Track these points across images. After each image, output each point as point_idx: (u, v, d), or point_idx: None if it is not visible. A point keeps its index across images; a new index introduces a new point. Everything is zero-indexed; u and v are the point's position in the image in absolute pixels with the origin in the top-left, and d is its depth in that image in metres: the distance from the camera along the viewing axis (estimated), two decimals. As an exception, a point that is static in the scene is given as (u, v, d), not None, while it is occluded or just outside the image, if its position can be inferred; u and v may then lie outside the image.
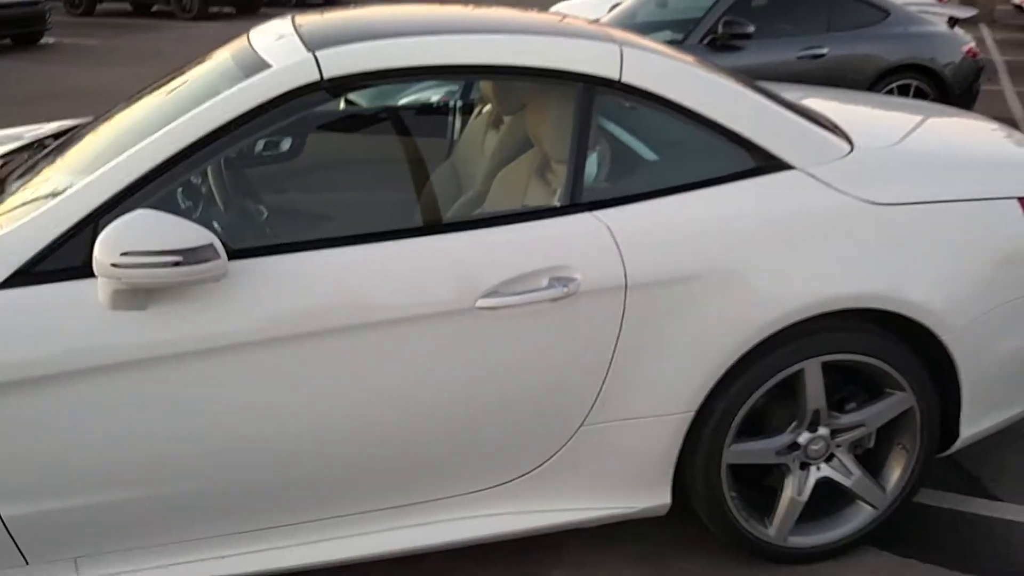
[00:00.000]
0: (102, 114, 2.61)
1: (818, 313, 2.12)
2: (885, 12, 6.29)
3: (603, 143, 2.23)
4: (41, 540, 1.95)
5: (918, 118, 2.81)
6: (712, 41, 5.82)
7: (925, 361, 2.29)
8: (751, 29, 5.74)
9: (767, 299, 2.09)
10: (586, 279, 2.03)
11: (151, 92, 2.52)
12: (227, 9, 17.23)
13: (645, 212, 2.11)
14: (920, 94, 6.24)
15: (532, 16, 2.48)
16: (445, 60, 2.10)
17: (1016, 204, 2.32)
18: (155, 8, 17.05)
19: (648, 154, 2.25)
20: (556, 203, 2.12)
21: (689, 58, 2.38)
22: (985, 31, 14.73)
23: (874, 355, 2.22)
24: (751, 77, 2.95)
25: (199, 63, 2.54)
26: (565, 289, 2.01)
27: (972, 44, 6.50)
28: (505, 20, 2.36)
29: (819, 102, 2.86)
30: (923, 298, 2.17)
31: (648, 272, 2.06)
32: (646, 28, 6.16)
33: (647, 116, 2.22)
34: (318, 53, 2.05)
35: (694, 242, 2.09)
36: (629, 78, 2.17)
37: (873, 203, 2.19)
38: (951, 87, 6.28)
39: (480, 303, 1.98)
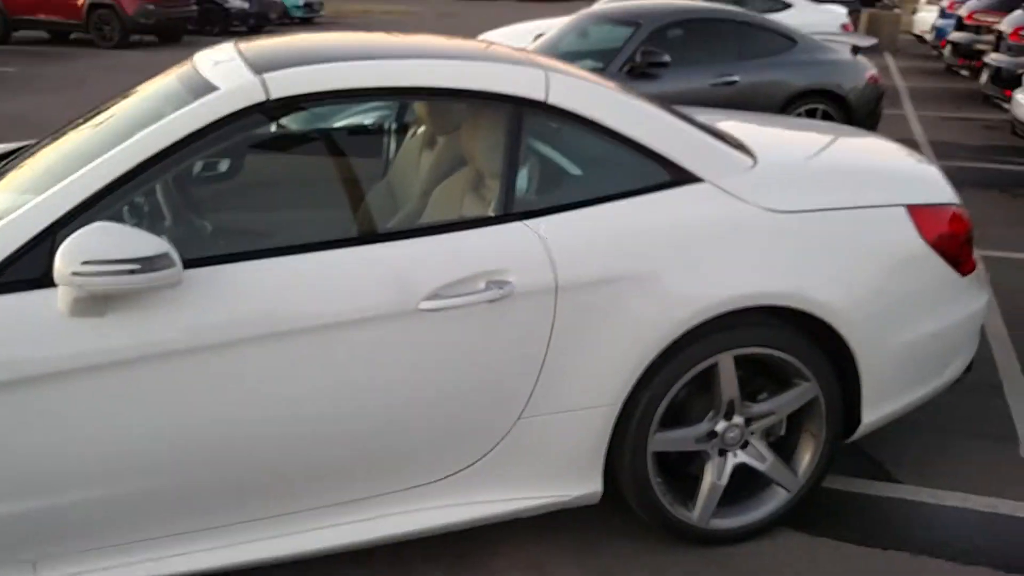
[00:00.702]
0: (48, 135, 2.69)
1: (727, 311, 2.33)
2: (792, 41, 6.69)
3: (532, 159, 2.41)
4: (8, 541, 2.02)
5: (817, 135, 3.08)
6: (631, 70, 6.11)
7: (827, 354, 2.53)
8: (667, 59, 6.04)
9: (681, 298, 2.30)
10: (520, 282, 2.21)
11: (95, 115, 2.61)
12: (148, 38, 17.08)
13: (572, 221, 2.29)
14: (827, 117, 6.63)
15: (465, 43, 2.66)
16: (385, 83, 2.26)
17: (904, 211, 2.58)
18: (73, 36, 16.79)
19: (573, 168, 2.44)
20: (490, 213, 2.29)
21: (610, 83, 2.59)
22: (889, 59, 15.56)
23: (780, 348, 2.44)
24: (668, 103, 3.20)
25: (143, 87, 2.65)
26: (501, 291, 2.18)
27: (874, 71, 6.95)
28: (439, 47, 2.54)
29: (728, 123, 3.11)
30: (821, 295, 2.40)
31: (575, 275, 2.25)
32: (568, 57, 6.42)
33: (571, 134, 2.42)
34: (265, 75, 2.19)
35: (616, 247, 2.28)
36: (555, 100, 2.36)
37: (773, 211, 2.43)
38: (855, 110, 6.69)
39: (423, 305, 2.14)
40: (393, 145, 3.22)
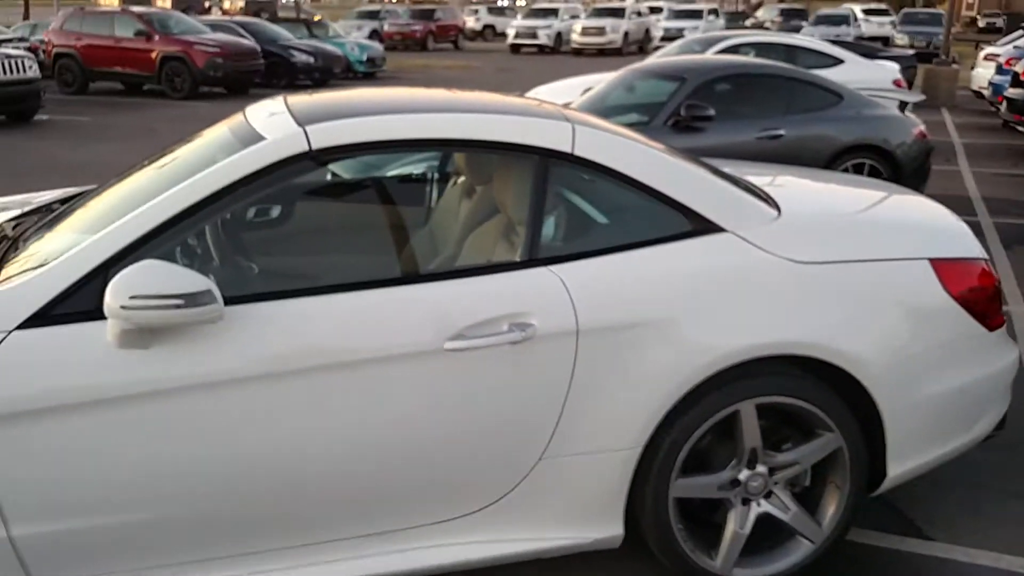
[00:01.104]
0: (107, 181, 2.87)
1: (746, 359, 2.37)
2: (839, 96, 6.72)
3: (558, 207, 2.51)
4: (46, 560, 2.14)
5: (846, 189, 3.12)
6: (676, 123, 6.21)
7: (851, 405, 2.54)
8: (711, 112, 6.13)
9: (700, 346, 2.35)
10: (542, 325, 2.29)
11: (153, 161, 2.79)
12: (217, 89, 17.77)
13: (595, 267, 2.37)
14: (874, 172, 6.63)
15: (498, 98, 2.79)
16: (419, 135, 2.39)
17: (927, 264, 2.61)
18: (146, 87, 17.56)
19: (598, 217, 2.53)
20: (516, 259, 2.39)
21: (635, 135, 2.69)
22: (946, 115, 15.41)
23: (802, 398, 2.47)
24: (713, 157, 3.29)
25: (197, 136, 2.82)
26: (523, 334, 2.26)
27: (922, 126, 6.93)
28: (473, 101, 2.67)
29: (757, 176, 3.17)
30: (840, 345, 2.43)
31: (597, 320, 2.32)
32: (614, 111, 6.56)
33: (597, 184, 2.51)
34: (307, 127, 2.34)
35: (637, 294, 2.36)
36: (581, 151, 2.46)
37: (795, 261, 2.48)
38: (903, 166, 6.67)
39: (447, 345, 2.23)
40: (436, 194, 3.35)
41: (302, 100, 2.71)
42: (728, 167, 3.23)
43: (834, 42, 14.12)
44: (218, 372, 2.11)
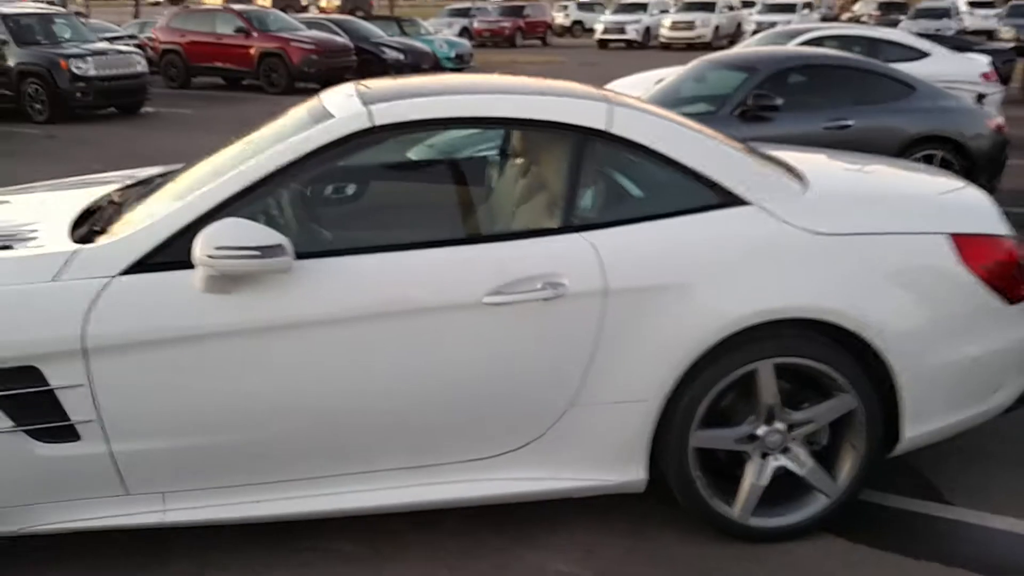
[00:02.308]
0: (194, 158, 3.25)
1: (763, 321, 2.58)
2: (911, 88, 6.72)
3: (594, 179, 2.75)
4: (139, 473, 2.51)
5: (879, 167, 3.27)
6: (743, 113, 6.34)
7: (867, 369, 2.71)
8: (779, 102, 6.23)
9: (719, 308, 2.57)
10: (573, 284, 2.54)
11: (239, 139, 3.15)
12: (312, 85, 18.49)
13: (623, 234, 2.62)
14: (945, 163, 6.61)
15: (546, 82, 3.05)
16: (467, 113, 2.68)
17: (945, 238, 2.75)
18: (245, 82, 18.40)
19: (631, 189, 2.77)
20: (553, 226, 2.65)
21: (672, 115, 2.91)
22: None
23: (819, 360, 2.65)
24: (779, 145, 3.51)
25: (280, 116, 3.17)
26: (555, 291, 2.52)
27: (999, 119, 6.86)
28: (524, 85, 2.93)
29: (797, 155, 3.35)
30: (855, 311, 2.60)
31: (624, 281, 2.56)
32: (685, 102, 6.72)
33: (631, 159, 2.75)
34: (371, 106, 2.65)
35: (662, 259, 2.59)
36: (617, 129, 2.71)
37: (816, 232, 2.66)
38: (976, 157, 6.63)
39: (486, 299, 2.51)
40: (496, 172, 3.63)
41: (372, 84, 3.03)
42: (777, 150, 3.42)
43: (927, 35, 13.83)
44: (288, 316, 2.45)
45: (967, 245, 2.77)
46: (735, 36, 30.73)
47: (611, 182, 2.78)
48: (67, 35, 13.49)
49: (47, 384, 2.40)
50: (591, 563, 2.73)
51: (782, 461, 2.78)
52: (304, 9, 40.45)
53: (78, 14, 19.13)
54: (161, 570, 2.71)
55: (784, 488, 2.82)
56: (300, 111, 3.07)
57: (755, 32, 29.71)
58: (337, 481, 2.62)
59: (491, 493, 2.66)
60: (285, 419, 2.52)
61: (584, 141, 2.70)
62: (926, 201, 2.93)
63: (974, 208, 2.93)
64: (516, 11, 33.36)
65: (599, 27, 31.37)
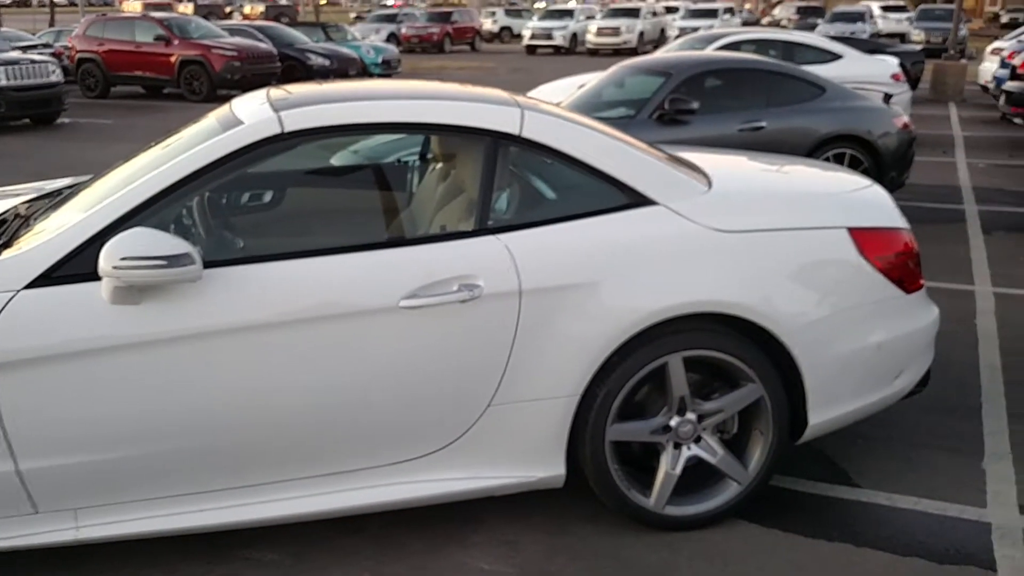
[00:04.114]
0: (106, 168, 3.20)
1: (670, 317, 2.66)
2: (821, 89, 6.96)
3: (507, 182, 2.80)
4: (48, 491, 2.46)
5: (782, 166, 3.40)
6: (660, 116, 6.48)
7: (773, 360, 2.82)
8: (695, 105, 6.40)
9: (628, 305, 2.64)
10: (488, 285, 2.58)
11: (148, 148, 3.11)
12: (235, 92, 18.22)
13: (536, 235, 2.67)
14: (854, 162, 6.86)
15: (460, 87, 3.09)
16: (379, 119, 2.71)
17: (845, 233, 2.88)
18: (166, 91, 18.04)
19: (543, 191, 2.82)
20: (468, 228, 2.69)
21: (583, 119, 2.98)
22: (953, 109, 15.52)
23: (725, 351, 2.75)
24: (696, 148, 3.62)
25: (190, 125, 3.15)
26: (471, 293, 2.56)
27: (905, 117, 7.15)
28: (436, 91, 2.97)
29: (702, 156, 3.45)
30: (758, 304, 2.71)
31: (537, 281, 2.61)
32: (605, 107, 6.85)
33: (542, 163, 2.81)
34: (281, 113, 2.65)
35: (574, 259, 2.65)
36: (528, 133, 2.76)
37: (719, 230, 2.76)
38: (884, 155, 6.90)
39: (403, 303, 2.53)
40: (415, 177, 3.65)
41: (283, 90, 3.03)
42: (689, 152, 3.52)
43: (843, 38, 14.30)
44: (198, 326, 2.43)
45: (865, 239, 2.89)
46: (659, 41, 31.29)
47: (525, 185, 2.84)
48: (-24, 45, 13.07)
49: (-50, 401, 2.35)
50: (514, 559, 2.77)
51: (695, 451, 2.87)
52: (228, 16, 39.79)
53: (-12, 23, 18.50)
54: (77, 587, 2.66)
55: (698, 477, 2.91)
56: (210, 119, 3.05)
57: (678, 37, 30.40)
58: (255, 491, 2.61)
59: (414, 496, 2.69)
60: (197, 431, 2.50)
61: (497, 145, 2.75)
62: (826, 198, 3.05)
63: (872, 204, 3.07)
64: (444, 17, 33.39)
65: (527, 33, 31.61)
